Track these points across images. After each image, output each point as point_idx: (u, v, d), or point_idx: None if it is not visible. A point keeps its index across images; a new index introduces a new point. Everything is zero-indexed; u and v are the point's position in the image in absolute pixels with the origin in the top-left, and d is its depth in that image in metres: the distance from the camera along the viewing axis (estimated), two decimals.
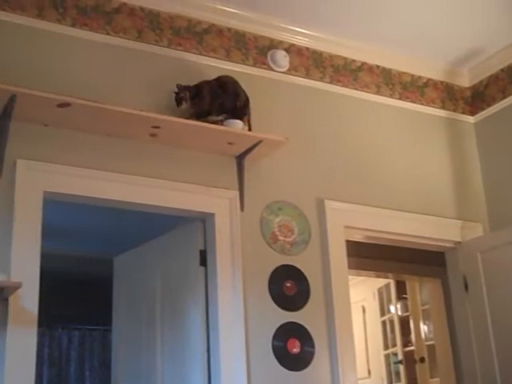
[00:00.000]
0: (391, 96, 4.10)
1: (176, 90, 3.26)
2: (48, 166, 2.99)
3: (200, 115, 3.27)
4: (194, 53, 3.55)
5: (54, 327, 6.55)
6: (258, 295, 3.31)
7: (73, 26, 3.26)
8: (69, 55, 3.22)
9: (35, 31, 3.16)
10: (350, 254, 3.64)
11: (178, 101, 3.26)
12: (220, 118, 3.31)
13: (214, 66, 3.57)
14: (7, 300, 2.74)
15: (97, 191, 3.10)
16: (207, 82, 3.36)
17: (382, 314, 6.58)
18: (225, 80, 3.40)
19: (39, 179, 2.96)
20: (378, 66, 4.10)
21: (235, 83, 3.40)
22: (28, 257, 2.84)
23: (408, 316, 6.30)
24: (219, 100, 3.31)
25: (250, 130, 3.37)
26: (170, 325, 3.50)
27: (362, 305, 6.64)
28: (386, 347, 6.48)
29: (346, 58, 4.00)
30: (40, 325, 2.82)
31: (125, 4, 3.41)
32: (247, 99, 3.39)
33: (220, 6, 3.61)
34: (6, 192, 2.89)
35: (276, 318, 3.33)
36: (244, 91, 3.40)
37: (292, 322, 3.35)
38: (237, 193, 3.41)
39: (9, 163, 2.92)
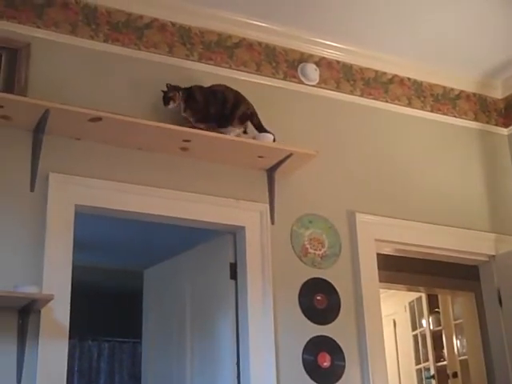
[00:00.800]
0: (423, 108, 4.08)
1: (165, 89, 3.21)
2: (80, 180, 3.03)
3: (199, 120, 3.22)
4: (225, 67, 3.57)
5: (84, 339, 6.60)
6: (288, 308, 3.30)
7: (105, 41, 3.31)
8: (101, 70, 3.26)
9: (68, 47, 3.20)
10: (380, 267, 3.61)
11: (166, 100, 3.20)
12: (204, 126, 3.22)
13: (244, 79, 3.58)
14: (39, 312, 2.77)
15: (128, 204, 3.13)
16: (199, 87, 3.32)
17: (414, 328, 6.51)
18: (215, 88, 3.34)
19: (71, 193, 3.00)
20: (409, 79, 4.08)
21: (225, 90, 3.33)
22: (60, 269, 2.87)
23: (440, 330, 6.23)
24: (210, 107, 3.27)
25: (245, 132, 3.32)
26: (200, 338, 3.50)
27: (392, 318, 6.58)
28: (418, 362, 6.40)
29: (376, 71, 3.99)
30: (71, 337, 2.84)
31: (156, 19, 3.45)
32: (237, 106, 3.29)
33: (250, 21, 3.62)
34: (38, 205, 2.93)
35: (306, 331, 3.31)
36: (236, 98, 3.31)
37: (322, 336, 3.33)
38: (267, 206, 3.41)
39: (41, 177, 2.96)
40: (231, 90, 3.34)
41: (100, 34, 3.30)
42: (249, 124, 3.34)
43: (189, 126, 3.19)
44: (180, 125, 3.18)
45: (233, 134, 3.25)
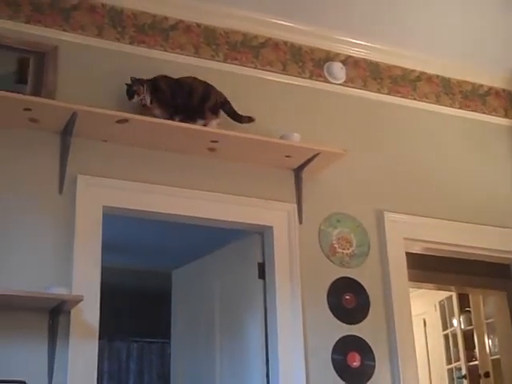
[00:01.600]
0: (451, 105, 4.04)
1: (129, 82, 3.12)
2: (107, 182, 3.05)
3: (172, 113, 3.12)
4: (250, 67, 3.57)
5: (113, 340, 6.63)
6: (316, 308, 3.29)
7: (131, 43, 3.33)
8: (127, 72, 3.26)
9: (95, 50, 3.23)
10: (410, 266, 3.58)
11: (130, 94, 3.10)
12: (176, 118, 3.14)
13: (270, 79, 3.59)
14: (69, 313, 2.79)
15: (156, 205, 3.14)
16: (164, 77, 3.22)
17: (445, 327, 6.45)
18: (182, 80, 3.24)
19: (99, 194, 3.02)
20: (437, 76, 4.05)
21: (192, 82, 3.23)
22: (89, 271, 2.89)
23: (471, 330, 6.16)
24: (176, 99, 3.17)
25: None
26: (229, 337, 3.51)
27: (423, 318, 6.52)
28: (449, 362, 6.34)
29: (404, 69, 3.96)
30: (100, 337, 2.86)
31: (181, 21, 3.46)
32: (207, 97, 3.20)
33: (276, 20, 3.62)
34: (67, 207, 2.95)
35: (335, 330, 3.30)
36: (205, 89, 3.22)
37: (352, 335, 3.31)
38: (295, 205, 3.40)
39: (70, 179, 2.99)
40: (200, 81, 3.25)
41: (126, 36, 3.33)
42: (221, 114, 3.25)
43: (179, 119, 3.12)
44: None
45: (211, 126, 3.17)
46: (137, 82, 3.11)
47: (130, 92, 3.10)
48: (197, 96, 3.20)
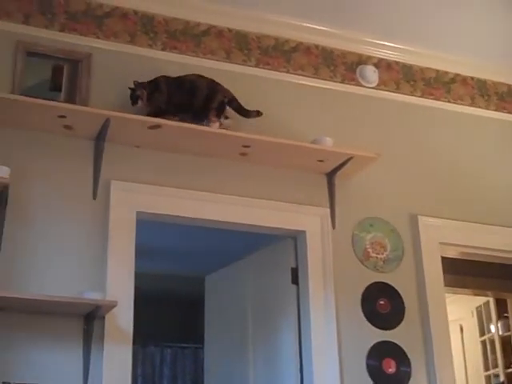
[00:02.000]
0: (487, 107, 3.98)
1: (132, 86, 3.09)
2: (140, 187, 3.06)
3: (151, 114, 3.05)
4: (282, 71, 3.56)
5: (147, 345, 6.66)
6: (350, 313, 3.26)
7: (163, 50, 3.35)
8: None
9: (127, 56, 3.25)
10: (445, 271, 3.54)
11: (134, 99, 3.07)
12: (176, 118, 3.09)
13: (302, 83, 3.58)
14: (104, 318, 2.81)
15: (188, 211, 3.15)
16: (165, 77, 3.17)
17: (482, 333, 6.35)
18: (184, 78, 3.18)
19: (132, 200, 3.03)
20: (472, 78, 4.00)
21: (196, 80, 3.17)
22: (123, 276, 2.91)
23: (510, 336, 6.05)
24: (175, 98, 3.12)
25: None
26: (262, 343, 3.50)
27: (459, 324, 6.43)
28: (487, 368, 6.23)
29: (437, 71, 3.93)
30: (134, 342, 2.87)
31: (213, 26, 3.47)
32: (212, 96, 3.14)
33: (307, 24, 3.61)
34: (100, 213, 2.98)
35: (370, 336, 3.27)
36: (210, 88, 3.16)
37: (387, 341, 3.28)
38: (328, 210, 3.38)
39: (103, 185, 3.01)
40: (204, 78, 3.19)
41: (158, 42, 3.35)
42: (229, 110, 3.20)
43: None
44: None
45: (214, 127, 3.13)
46: (139, 86, 3.08)
47: (134, 97, 3.08)
48: (201, 94, 3.14)
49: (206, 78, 3.20)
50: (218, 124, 3.15)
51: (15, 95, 2.91)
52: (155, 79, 3.14)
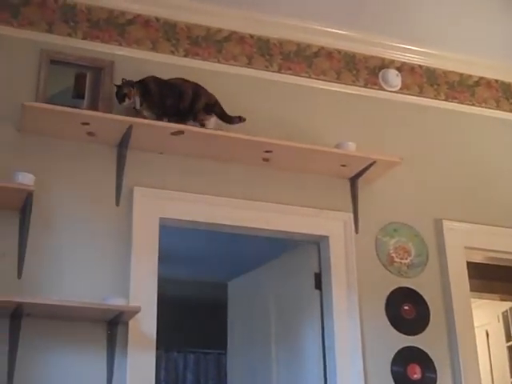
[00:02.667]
0: None
1: (119, 83, 3.04)
2: (164, 193, 3.07)
3: (160, 115, 3.05)
4: (304, 76, 3.56)
5: (170, 350, 6.67)
6: (374, 319, 3.24)
7: (185, 56, 3.36)
8: None
9: (149, 63, 3.27)
10: (471, 276, 3.50)
11: (120, 97, 3.02)
12: (166, 120, 3.06)
13: (323, 88, 3.57)
14: (127, 323, 2.82)
15: (211, 216, 3.15)
16: (154, 78, 3.14)
17: (508, 339, 6.26)
18: (172, 81, 3.16)
19: (155, 206, 3.04)
20: (496, 80, 3.97)
21: (182, 84, 3.15)
22: (146, 282, 2.92)
23: None
24: (165, 101, 3.09)
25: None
26: (285, 348, 3.49)
27: (485, 329, 6.35)
28: None
29: (461, 74, 3.90)
30: (157, 348, 2.88)
31: (235, 32, 3.48)
32: (196, 99, 3.12)
33: (329, 29, 3.61)
34: (124, 219, 2.99)
35: (394, 342, 3.24)
36: (195, 91, 3.13)
37: (412, 347, 3.25)
38: (351, 215, 3.37)
39: (126, 191, 3.03)
40: (189, 82, 3.16)
41: (180, 49, 3.37)
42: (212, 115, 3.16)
43: (169, 120, 3.04)
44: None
45: (209, 126, 3.10)
46: (127, 84, 3.03)
47: (120, 95, 3.03)
48: (187, 97, 3.12)
49: (191, 81, 3.17)
50: (212, 120, 3.12)
51: (39, 103, 2.93)
52: (144, 80, 3.10)
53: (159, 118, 3.06)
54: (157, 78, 3.15)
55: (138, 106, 3.06)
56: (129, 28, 3.30)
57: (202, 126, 3.12)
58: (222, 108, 3.18)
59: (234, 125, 3.15)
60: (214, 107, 3.16)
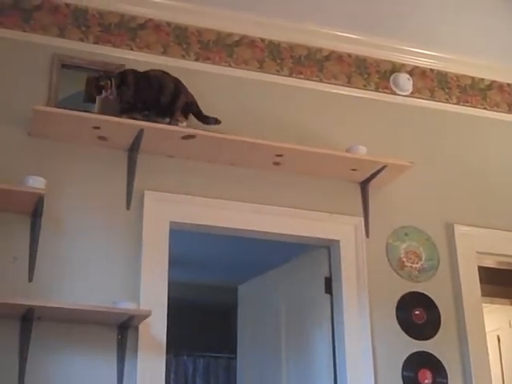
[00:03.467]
0: None
1: (99, 75, 3.00)
2: (174, 197, 3.08)
3: (124, 110, 2.99)
4: (315, 80, 3.56)
5: (179, 354, 6.66)
6: (385, 323, 3.23)
7: (196, 60, 3.37)
8: (193, 88, 3.30)
9: (160, 68, 3.24)
10: (482, 281, 3.48)
11: (98, 89, 2.96)
12: (140, 116, 3.01)
13: (334, 92, 3.57)
14: (137, 327, 2.82)
15: (221, 220, 3.15)
16: (133, 71, 3.08)
17: None
18: (151, 73, 3.08)
19: (165, 210, 3.04)
20: (508, 84, 3.95)
21: (162, 77, 3.08)
22: (156, 286, 2.92)
23: None
24: (142, 93, 3.03)
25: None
26: (295, 352, 3.48)
27: (496, 334, 6.31)
28: None
29: (473, 78, 3.88)
30: (166, 352, 2.88)
31: (245, 36, 3.48)
32: (177, 96, 3.06)
33: (340, 33, 3.60)
34: (134, 222, 2.99)
35: (405, 347, 3.23)
36: (176, 87, 3.08)
37: (422, 352, 3.24)
38: (361, 219, 3.36)
39: (137, 195, 3.03)
40: (170, 76, 3.10)
41: (191, 53, 3.37)
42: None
43: (127, 117, 2.97)
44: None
45: (182, 126, 3.06)
46: (104, 76, 2.99)
47: (98, 87, 2.97)
48: (168, 92, 3.06)
49: (171, 75, 3.12)
50: (185, 124, 3.08)
51: (50, 107, 2.95)
52: (123, 72, 3.06)
53: (128, 111, 2.99)
54: (135, 70, 3.08)
55: (114, 96, 2.98)
56: (140, 32, 3.31)
57: (176, 125, 3.06)
58: (199, 107, 3.13)
59: (209, 125, 3.10)
60: (192, 106, 3.12)
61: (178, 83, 3.11)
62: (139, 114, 3.04)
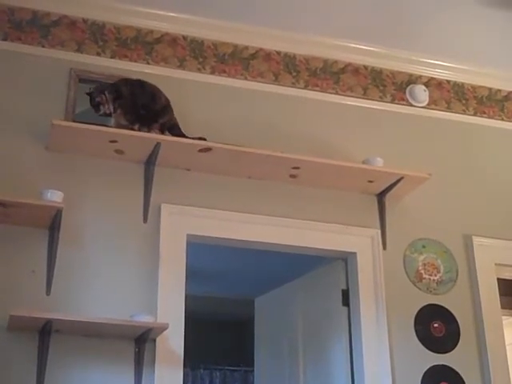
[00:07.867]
0: None
1: (90, 91, 2.98)
2: (191, 210, 3.08)
3: (133, 121, 2.99)
4: (331, 93, 3.56)
5: (196, 368, 6.65)
6: (403, 336, 3.20)
7: (212, 73, 3.38)
8: (210, 102, 3.33)
9: (176, 81, 3.30)
10: (502, 293, 3.45)
11: (95, 106, 2.96)
12: (136, 126, 3.00)
13: (350, 104, 3.57)
14: (155, 340, 2.82)
15: (238, 233, 3.15)
16: (125, 80, 3.08)
17: None
18: (144, 81, 3.09)
19: (183, 223, 3.05)
20: None
21: (157, 89, 3.08)
22: (173, 299, 2.92)
23: None
24: (139, 99, 3.02)
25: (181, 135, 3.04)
26: (313, 365, 3.46)
27: None
28: None
29: (490, 89, 3.87)
30: (184, 365, 2.87)
31: (261, 49, 3.50)
32: (165, 112, 3.06)
33: (355, 45, 3.61)
34: (151, 236, 3.00)
35: (424, 360, 3.20)
36: (167, 105, 3.09)
37: (442, 365, 3.21)
38: (378, 231, 3.34)
39: (154, 208, 3.04)
40: (163, 93, 3.09)
41: (207, 66, 3.39)
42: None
43: (126, 128, 2.96)
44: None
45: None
46: (97, 91, 2.97)
47: (95, 103, 2.97)
48: (160, 103, 3.06)
49: (163, 93, 3.10)
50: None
51: (68, 122, 2.97)
52: (115, 84, 3.05)
53: (132, 123, 2.99)
54: (127, 79, 3.09)
55: (112, 111, 2.97)
56: (156, 46, 3.34)
57: None
58: (180, 130, 3.09)
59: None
60: (173, 128, 3.08)
61: (169, 102, 3.11)
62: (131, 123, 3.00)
